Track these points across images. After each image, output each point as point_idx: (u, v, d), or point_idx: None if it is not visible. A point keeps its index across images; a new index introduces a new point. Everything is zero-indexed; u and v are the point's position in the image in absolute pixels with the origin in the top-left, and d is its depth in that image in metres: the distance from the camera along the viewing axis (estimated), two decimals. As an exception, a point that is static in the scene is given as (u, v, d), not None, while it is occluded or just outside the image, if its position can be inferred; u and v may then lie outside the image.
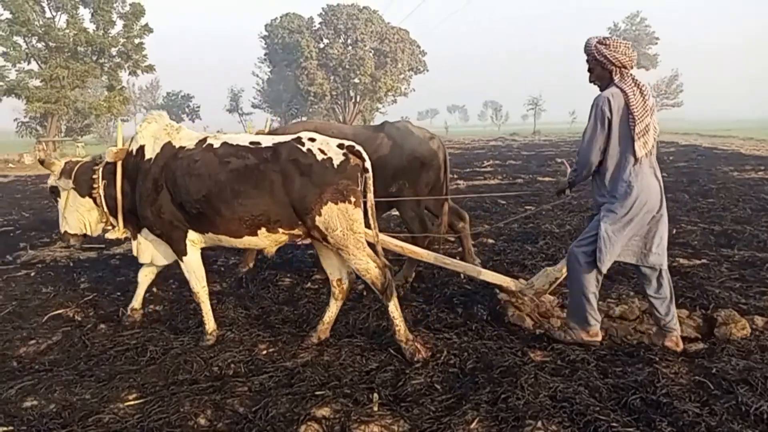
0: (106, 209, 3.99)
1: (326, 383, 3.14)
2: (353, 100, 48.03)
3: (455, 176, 14.50)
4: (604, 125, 3.26)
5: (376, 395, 2.96)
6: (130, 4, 27.70)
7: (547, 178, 13.32)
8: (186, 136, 3.83)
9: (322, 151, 3.48)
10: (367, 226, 3.60)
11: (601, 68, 3.33)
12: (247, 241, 3.71)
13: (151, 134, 3.84)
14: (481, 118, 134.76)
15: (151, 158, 3.76)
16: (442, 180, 5.06)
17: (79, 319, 4.47)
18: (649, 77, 61.83)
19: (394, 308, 3.50)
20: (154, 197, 3.71)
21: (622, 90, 3.24)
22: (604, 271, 3.37)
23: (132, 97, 39.53)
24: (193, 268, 3.90)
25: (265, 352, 3.63)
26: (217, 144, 3.68)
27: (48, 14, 26.89)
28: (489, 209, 8.95)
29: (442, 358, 3.37)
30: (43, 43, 26.79)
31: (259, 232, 3.60)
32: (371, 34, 44.88)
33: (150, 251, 4.05)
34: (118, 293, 5.09)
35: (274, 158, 3.50)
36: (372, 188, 3.55)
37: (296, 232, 3.61)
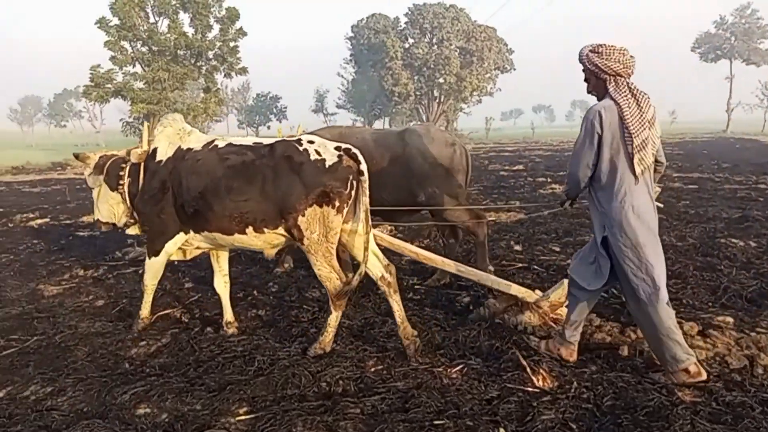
0: (129, 205, 4.13)
1: (444, 411, 2.89)
2: (437, 100, 47.63)
3: (549, 180, 13.88)
4: (593, 141, 3.04)
5: (502, 430, 2.67)
6: (226, 9, 28.85)
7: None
8: (195, 139, 3.97)
9: (318, 152, 3.53)
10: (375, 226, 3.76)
11: (596, 78, 3.12)
12: (239, 240, 3.74)
13: (166, 137, 4.00)
14: (569, 118, 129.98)
15: (162, 160, 3.93)
16: (464, 186, 5.08)
17: (186, 321, 4.48)
18: (759, 74, 56.91)
19: (334, 319, 3.65)
20: (159, 197, 3.86)
21: (616, 102, 3.00)
22: (665, 295, 3.07)
23: (225, 99, 41.23)
24: (155, 269, 4.09)
25: (373, 369, 3.42)
26: (221, 144, 3.82)
27: (151, 19, 28.51)
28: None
29: (573, 390, 3.02)
30: (147, 47, 28.45)
31: (247, 230, 3.64)
32: (457, 33, 44.29)
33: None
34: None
35: (269, 155, 3.59)
36: (368, 191, 3.54)
37: (280, 231, 3.61)
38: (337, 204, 3.45)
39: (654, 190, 3.19)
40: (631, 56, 3.04)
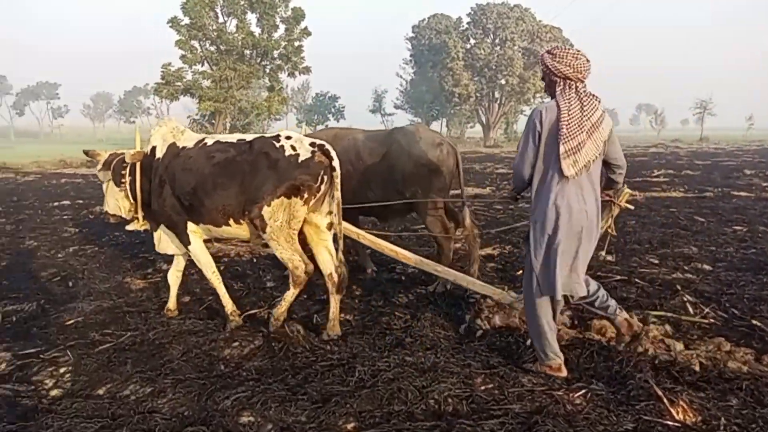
0: (131, 201, 4.32)
1: (574, 443, 2.60)
2: (498, 102, 46.76)
3: (625, 186, 13.20)
4: (534, 139, 3.12)
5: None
6: (292, 9, 29.25)
7: (743, 193, 11.57)
8: (189, 138, 4.22)
9: (293, 148, 3.77)
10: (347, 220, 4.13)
11: (549, 79, 3.17)
12: (227, 231, 4.04)
13: (161, 136, 4.24)
14: (634, 122, 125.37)
15: (159, 157, 4.16)
16: (450, 186, 5.06)
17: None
18: None
19: (291, 295, 3.99)
20: (160, 192, 4.10)
21: (557, 103, 3.05)
22: (557, 293, 3.18)
23: (287, 98, 41.84)
24: (198, 255, 4.26)
25: (483, 388, 3.17)
26: (210, 142, 4.07)
27: (220, 19, 29.26)
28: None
29: (722, 427, 2.67)
30: (215, 47, 29.21)
31: (230, 221, 3.91)
32: (521, 33, 43.33)
33: (167, 242, 4.40)
34: (305, 296, 4.97)
35: (248, 150, 3.84)
36: (339, 187, 3.82)
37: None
38: (305, 196, 3.73)
39: (623, 191, 3.55)
40: (586, 61, 3.08)
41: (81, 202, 11.42)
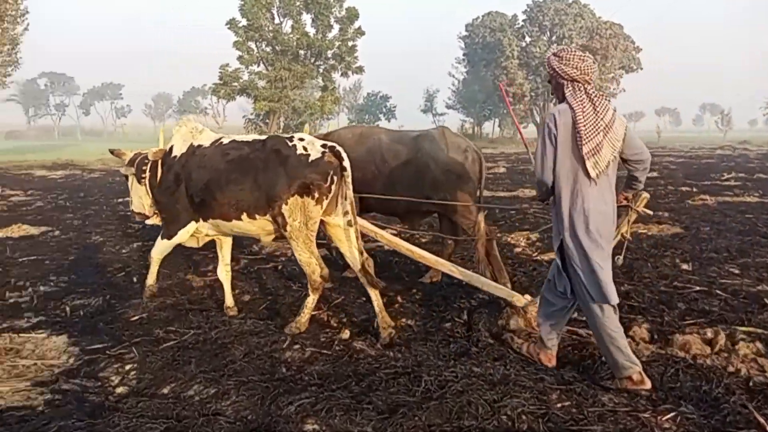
0: (151, 197, 4.49)
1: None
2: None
3: (695, 189, 12.54)
4: (552, 142, 3.07)
5: None
6: (346, 9, 29.40)
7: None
8: (206, 137, 4.34)
9: (305, 148, 3.90)
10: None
11: (556, 81, 3.14)
12: (237, 226, 4.14)
13: (181, 136, 4.39)
14: (697, 122, 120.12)
15: (176, 156, 4.32)
16: (476, 192, 5.07)
17: (335, 324, 4.28)
18: None
19: (312, 301, 4.11)
20: (174, 188, 4.26)
21: (570, 106, 3.01)
22: (612, 298, 3.08)
23: (340, 97, 42.19)
24: (164, 248, 4.54)
25: (559, 405, 2.96)
26: (226, 141, 4.22)
27: (276, 20, 29.74)
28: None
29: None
30: (271, 47, 29.70)
31: (243, 216, 4.03)
32: (580, 30, 42.11)
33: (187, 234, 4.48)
34: (363, 298, 4.87)
35: (262, 149, 3.98)
36: (351, 186, 3.93)
37: (269, 218, 3.96)
38: (316, 195, 3.84)
39: (640, 197, 3.44)
40: (592, 62, 3.06)
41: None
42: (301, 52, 29.42)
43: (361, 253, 4.07)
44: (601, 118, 2.99)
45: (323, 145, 3.95)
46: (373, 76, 30.81)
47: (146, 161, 4.46)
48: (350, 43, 29.39)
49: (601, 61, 42.53)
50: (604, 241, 3.07)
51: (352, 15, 28.88)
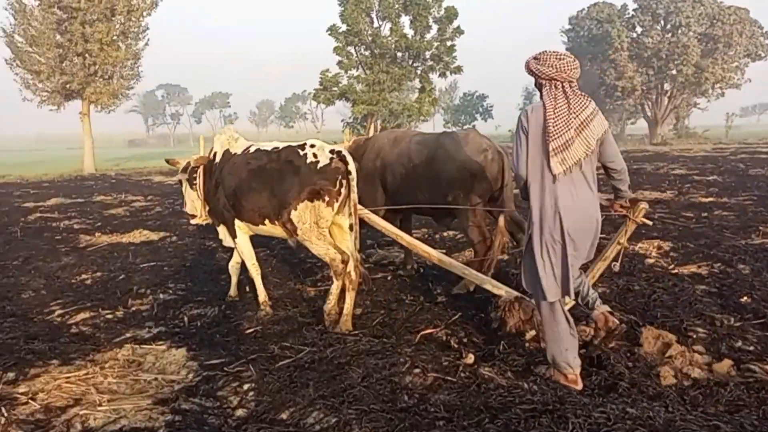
0: (202, 200, 4.81)
1: None
2: (668, 95, 42.38)
3: None
4: (524, 137, 3.17)
5: None
6: (445, 8, 28.99)
7: None
8: (240, 145, 4.64)
9: (315, 156, 4.13)
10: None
11: (537, 82, 3.21)
12: (264, 230, 4.47)
13: (220, 144, 4.74)
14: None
15: (216, 162, 4.68)
16: (497, 192, 5.04)
17: (455, 345, 3.93)
18: None
19: (336, 288, 4.26)
20: (215, 192, 4.64)
21: (543, 103, 3.11)
22: (552, 298, 3.19)
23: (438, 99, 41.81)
24: (242, 248, 4.76)
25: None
26: (252, 150, 4.48)
27: (375, 24, 29.92)
28: None
29: None
30: (369, 51, 29.95)
31: (266, 221, 4.32)
32: (698, 17, 38.70)
33: (228, 237, 4.85)
34: (481, 314, 4.50)
35: (277, 159, 4.23)
36: (355, 189, 4.13)
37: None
38: (327, 199, 4.07)
39: (638, 207, 3.57)
40: (572, 61, 3.11)
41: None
42: (399, 54, 29.39)
43: (356, 258, 4.32)
44: (576, 116, 3.04)
45: (331, 151, 4.17)
46: (469, 75, 30.17)
47: (195, 168, 4.84)
48: (449, 43, 28.90)
49: (724, 49, 38.88)
50: (568, 239, 3.10)
51: (451, 14, 28.41)
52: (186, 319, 4.60)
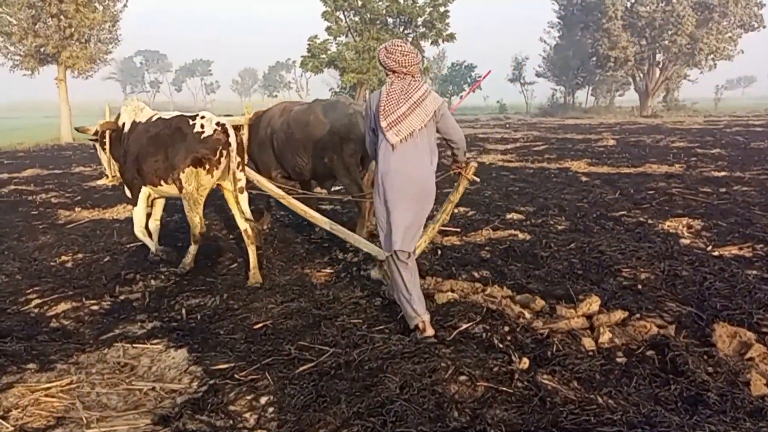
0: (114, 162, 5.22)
1: None
2: (660, 66, 41.82)
3: None
4: (369, 114, 3.69)
5: None
6: (438, -28, 27.93)
7: None
8: (145, 115, 4.98)
9: (201, 126, 4.51)
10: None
11: (384, 70, 3.59)
12: (163, 190, 4.84)
13: (127, 114, 5.06)
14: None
15: (125, 131, 4.99)
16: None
17: (499, 344, 3.40)
18: None
19: (194, 249, 4.94)
20: (124, 159, 4.95)
21: (383, 88, 3.56)
22: (388, 251, 3.59)
23: (430, 67, 40.69)
24: (136, 215, 5.16)
25: None
26: (154, 119, 4.84)
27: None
28: None
29: None
30: (359, 17, 28.86)
31: (162, 182, 4.70)
32: (695, -15, 37.88)
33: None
34: (519, 308, 3.99)
35: (170, 126, 4.62)
36: (234, 158, 4.54)
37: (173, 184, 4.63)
38: (207, 167, 4.47)
39: (470, 165, 4.08)
40: (414, 57, 3.48)
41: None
42: (390, 20, 28.33)
43: (247, 219, 4.76)
44: (409, 96, 3.47)
45: (217, 123, 4.54)
46: (458, 44, 29.18)
47: (104, 132, 5.15)
48: (442, 9, 27.92)
49: (718, 19, 38.27)
50: (406, 198, 3.48)
51: (444, -21, 27.37)
52: (184, 311, 4.03)
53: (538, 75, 58.03)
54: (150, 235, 5.28)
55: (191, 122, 4.56)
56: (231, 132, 4.54)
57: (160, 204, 5.37)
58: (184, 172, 4.49)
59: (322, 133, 5.37)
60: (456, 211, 7.38)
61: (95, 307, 4.12)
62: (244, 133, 5.73)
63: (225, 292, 4.36)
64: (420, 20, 28.39)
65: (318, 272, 4.93)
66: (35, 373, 3.06)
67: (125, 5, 23.96)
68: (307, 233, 6.30)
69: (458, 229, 6.36)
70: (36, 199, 8.80)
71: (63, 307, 4.11)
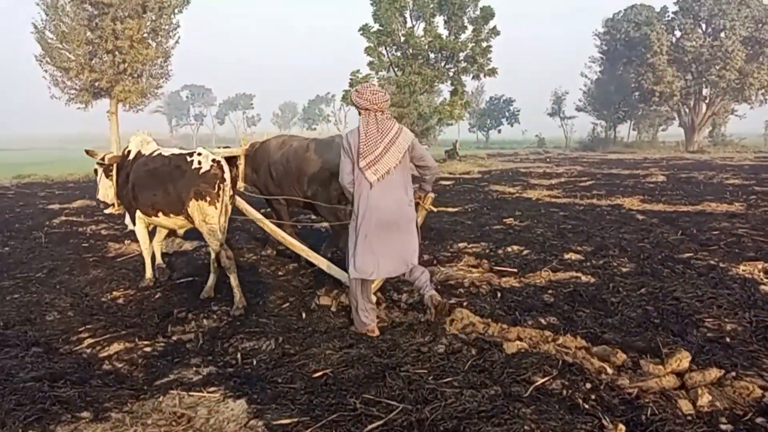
0: (115, 190, 5.71)
1: None
2: (707, 101, 40.79)
3: None
4: (348, 154, 4.00)
5: None
6: (481, 8, 28.08)
7: None
8: (149, 148, 5.35)
9: (199, 162, 4.88)
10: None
11: (357, 110, 4.01)
12: (156, 221, 5.34)
13: (134, 145, 5.50)
14: None
15: (129, 160, 5.41)
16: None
17: (583, 404, 3.09)
18: None
19: (234, 280, 4.96)
20: (125, 186, 5.36)
21: (359, 128, 3.94)
22: (360, 276, 4.10)
23: (470, 101, 40.60)
24: (139, 234, 5.58)
25: None
26: (155, 154, 5.21)
27: (408, 23, 29.14)
28: None
29: None
30: (401, 52, 29.17)
31: (160, 214, 5.14)
32: (744, 20, 37.09)
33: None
34: (596, 361, 3.65)
35: (169, 164, 5.01)
36: (228, 191, 4.95)
37: (181, 217, 5.06)
38: (208, 199, 4.78)
39: (428, 196, 4.65)
40: (382, 95, 3.93)
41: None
42: (432, 55, 28.53)
43: (223, 243, 5.01)
44: (385, 136, 3.86)
45: (213, 160, 4.89)
46: (496, 78, 29.01)
47: (110, 164, 5.65)
48: (484, 44, 27.95)
49: (770, 53, 37.23)
50: (391, 228, 3.97)
51: (487, 14, 27.40)
52: (239, 355, 3.84)
53: (578, 109, 57.53)
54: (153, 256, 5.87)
55: (189, 159, 4.90)
56: (225, 167, 4.94)
57: (162, 232, 5.98)
58: (189, 207, 4.82)
59: (315, 168, 5.95)
60: (510, 249, 7.10)
61: (148, 349, 3.97)
62: (241, 163, 6.63)
63: (280, 335, 4.16)
64: (462, 55, 28.47)
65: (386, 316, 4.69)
66: (90, 423, 2.90)
67: (177, 42, 24.83)
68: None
69: (515, 270, 6.08)
70: (86, 231, 8.88)
71: (116, 347, 3.98)
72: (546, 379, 3.36)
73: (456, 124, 63.40)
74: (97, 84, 23.23)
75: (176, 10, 23.93)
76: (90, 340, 4.10)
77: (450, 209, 11.19)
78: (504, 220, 9.53)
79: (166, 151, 5.22)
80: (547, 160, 31.99)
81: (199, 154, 4.93)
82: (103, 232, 8.78)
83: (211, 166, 4.83)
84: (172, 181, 4.89)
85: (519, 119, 72.75)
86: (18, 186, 18.02)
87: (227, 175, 4.91)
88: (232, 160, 6.24)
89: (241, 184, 6.84)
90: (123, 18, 22.52)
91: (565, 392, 3.22)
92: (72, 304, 4.97)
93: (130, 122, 28.35)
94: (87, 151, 5.94)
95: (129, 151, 5.51)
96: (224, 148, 6.82)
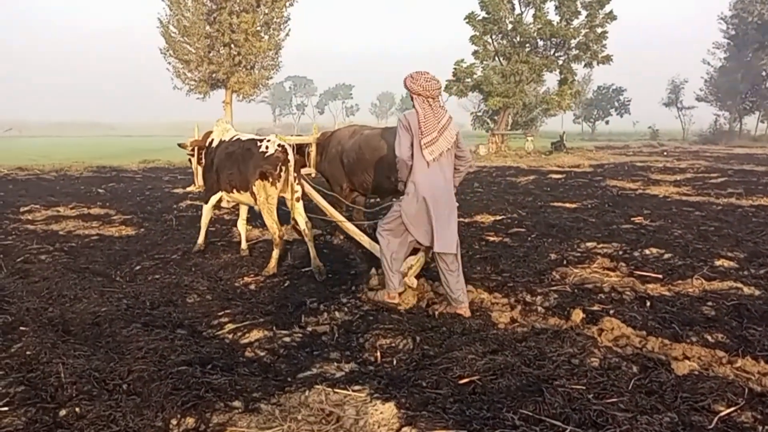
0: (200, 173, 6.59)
1: None
2: None
3: None
4: (408, 130, 4.21)
5: None
6: (596, -8, 26.52)
7: None
8: (229, 135, 6.14)
9: (267, 147, 5.50)
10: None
11: (410, 95, 4.27)
12: (234, 197, 6.00)
13: (216, 132, 6.31)
14: None
15: (213, 147, 6.24)
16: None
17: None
18: None
19: (276, 253, 5.70)
20: (211, 168, 6.15)
21: (416, 110, 4.21)
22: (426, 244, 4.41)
23: (581, 91, 38.63)
24: (205, 213, 6.53)
25: None
26: (234, 139, 5.97)
27: (517, 11, 28.11)
28: None
29: None
30: (507, 40, 28.21)
31: (234, 190, 5.83)
32: None
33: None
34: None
35: (242, 147, 5.71)
36: (292, 172, 5.50)
37: (248, 194, 5.71)
38: (271, 180, 5.43)
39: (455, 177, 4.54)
40: (436, 83, 4.23)
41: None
42: (541, 42, 27.32)
43: (306, 221, 5.71)
44: (438, 121, 4.20)
45: (279, 145, 5.47)
46: (605, 66, 27.14)
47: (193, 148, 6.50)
48: (599, 30, 26.34)
49: None
50: (440, 205, 4.28)
51: (603, -2, 25.82)
52: (378, 354, 3.70)
53: (698, 99, 53.09)
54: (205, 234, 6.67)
55: (259, 143, 5.55)
56: (290, 151, 5.49)
57: (244, 209, 6.68)
58: (254, 185, 5.45)
59: (389, 156, 6.09)
60: (649, 252, 6.51)
61: (287, 339, 3.94)
62: (312, 150, 7.30)
63: (416, 334, 3.98)
64: (574, 42, 27.03)
65: (500, 316, 4.40)
66: (243, 414, 2.86)
67: (287, 34, 25.59)
68: (485, 269, 5.81)
69: (659, 275, 5.52)
70: (211, 216, 9.24)
71: (256, 335, 3.98)
72: (732, 409, 2.93)
73: (559, 115, 60.69)
74: (214, 75, 24.47)
75: (288, 4, 24.63)
76: (231, 326, 4.15)
77: (568, 205, 10.56)
78: (632, 218, 8.82)
79: (244, 137, 5.90)
80: (665, 153, 29.70)
81: (269, 140, 5.57)
82: (226, 217, 9.10)
83: (276, 150, 5.43)
84: (244, 161, 5.56)
85: (629, 109, 68.42)
86: (144, 170, 19.35)
87: (291, 159, 5.47)
88: (302, 148, 7.25)
89: (312, 170, 7.41)
90: (239, 12, 23.50)
91: (761, 428, 2.77)
92: (209, 288, 5.11)
93: (237, 111, 29.67)
94: (180, 144, 6.67)
95: (212, 140, 6.25)
96: (296, 136, 7.53)
